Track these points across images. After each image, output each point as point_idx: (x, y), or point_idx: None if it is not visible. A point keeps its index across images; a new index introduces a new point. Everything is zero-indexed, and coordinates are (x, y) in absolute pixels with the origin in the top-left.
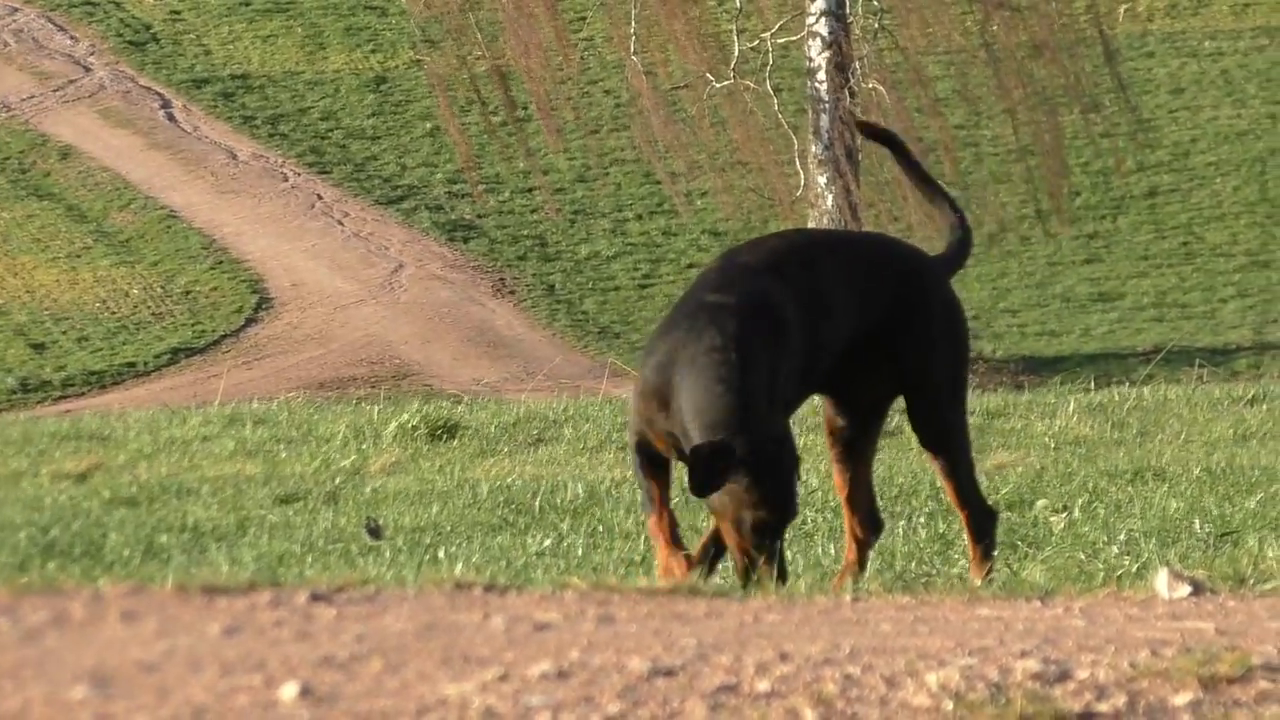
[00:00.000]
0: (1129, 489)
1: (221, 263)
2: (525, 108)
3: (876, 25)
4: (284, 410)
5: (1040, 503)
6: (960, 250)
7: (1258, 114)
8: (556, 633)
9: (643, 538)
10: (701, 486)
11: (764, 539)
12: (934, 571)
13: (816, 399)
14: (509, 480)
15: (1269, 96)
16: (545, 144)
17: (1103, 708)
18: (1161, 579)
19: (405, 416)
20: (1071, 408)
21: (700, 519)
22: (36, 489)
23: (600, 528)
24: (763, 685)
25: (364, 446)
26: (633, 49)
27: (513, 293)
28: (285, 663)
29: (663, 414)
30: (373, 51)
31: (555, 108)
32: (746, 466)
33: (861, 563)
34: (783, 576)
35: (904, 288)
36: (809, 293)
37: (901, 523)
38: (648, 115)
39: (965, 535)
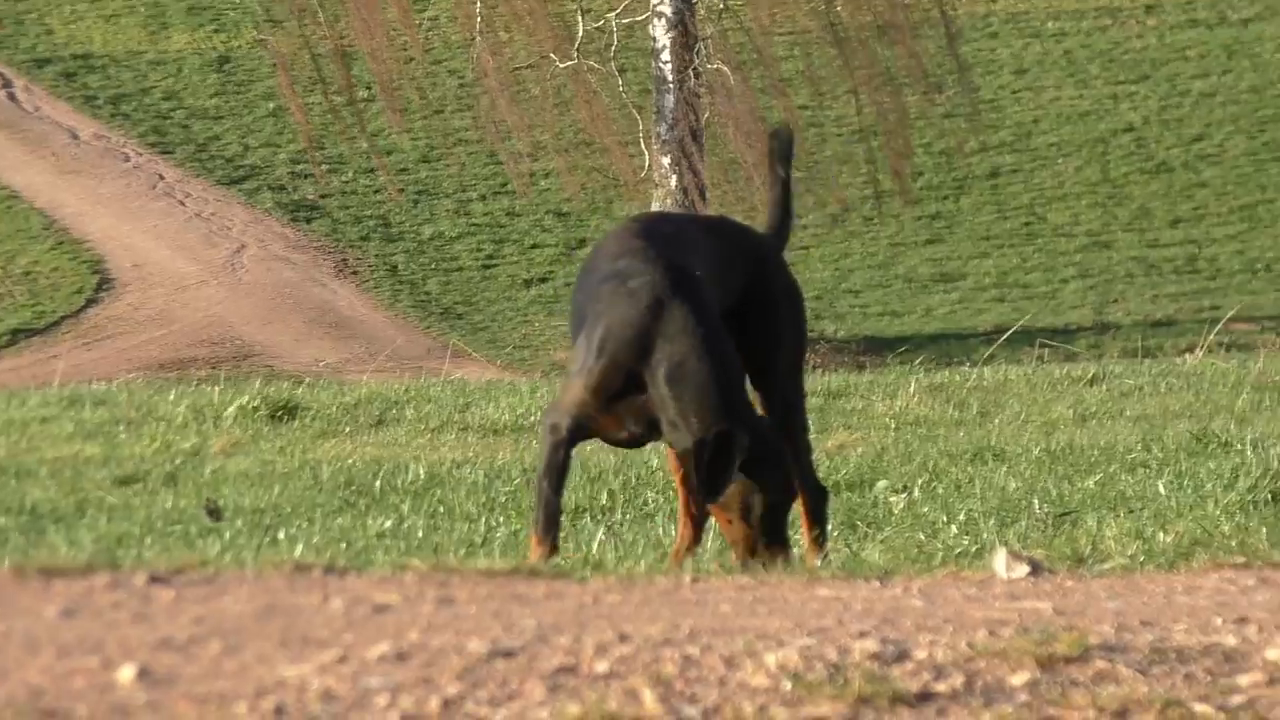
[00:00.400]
0: (969, 469)
1: (62, 243)
2: (369, 88)
3: (721, 5)
4: (124, 391)
5: (881, 483)
6: (785, 235)
7: (1100, 94)
8: (396, 615)
9: (483, 520)
10: (715, 485)
11: (778, 524)
12: None
13: None
14: (350, 461)
15: (1111, 77)
16: (389, 124)
17: (940, 688)
18: (1000, 559)
19: (246, 398)
20: (912, 388)
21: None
22: None
23: (441, 509)
24: (602, 666)
25: (204, 427)
26: (478, 28)
27: (355, 273)
28: (123, 645)
29: (626, 400)
30: (216, 31)
31: (399, 88)
32: (758, 454)
33: (697, 538)
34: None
35: (757, 270)
36: (709, 275)
37: None
38: (492, 95)
39: (802, 516)
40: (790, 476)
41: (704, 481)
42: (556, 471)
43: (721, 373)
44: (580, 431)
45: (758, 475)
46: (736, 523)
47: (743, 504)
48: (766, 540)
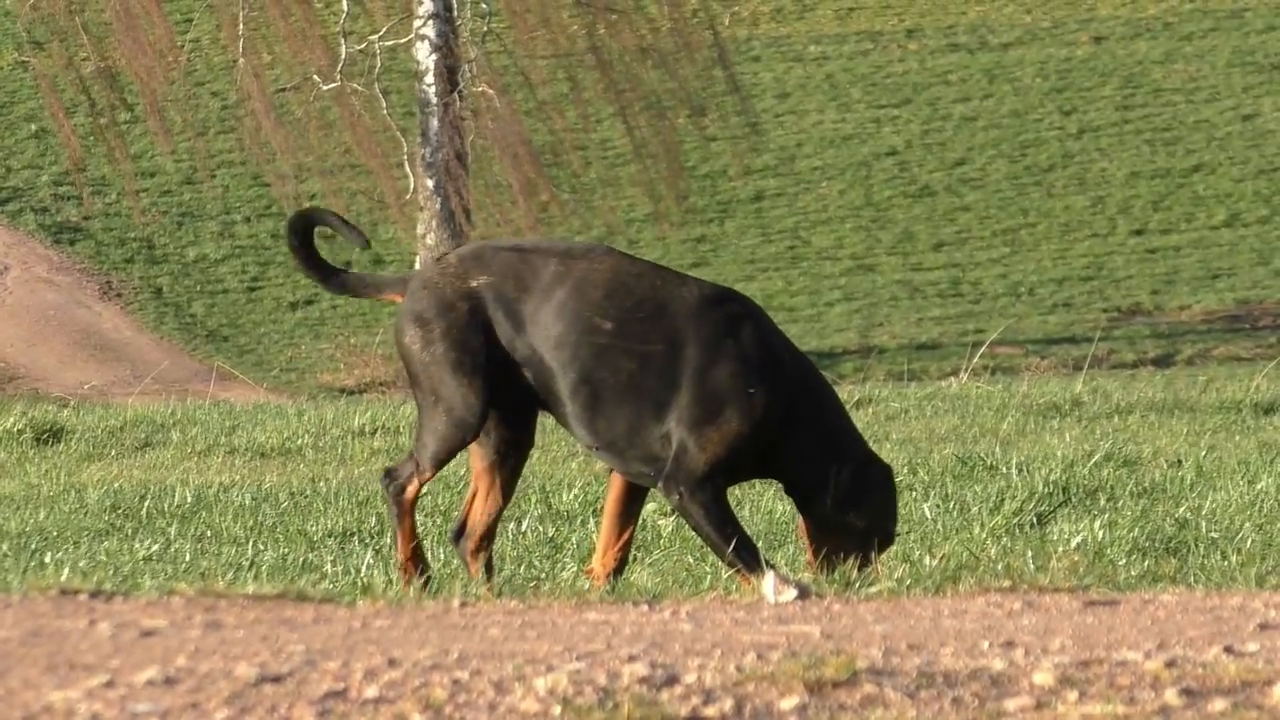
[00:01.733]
0: (736, 492)
1: None
2: (132, 109)
3: (485, 28)
4: None
5: (649, 506)
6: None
7: (862, 118)
8: (163, 639)
9: (251, 544)
10: (849, 509)
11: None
12: (543, 576)
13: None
14: (116, 485)
15: (873, 101)
16: (153, 145)
17: (710, 712)
18: (768, 583)
19: (10, 420)
20: None
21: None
22: None
23: (208, 532)
24: (371, 691)
25: None
26: (241, 50)
27: (120, 295)
28: None
29: (768, 440)
30: None
31: (162, 109)
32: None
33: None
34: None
35: None
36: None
37: (510, 525)
38: (257, 117)
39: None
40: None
41: (836, 502)
42: (735, 523)
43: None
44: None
45: (884, 508)
46: (838, 546)
47: (867, 534)
48: (857, 562)
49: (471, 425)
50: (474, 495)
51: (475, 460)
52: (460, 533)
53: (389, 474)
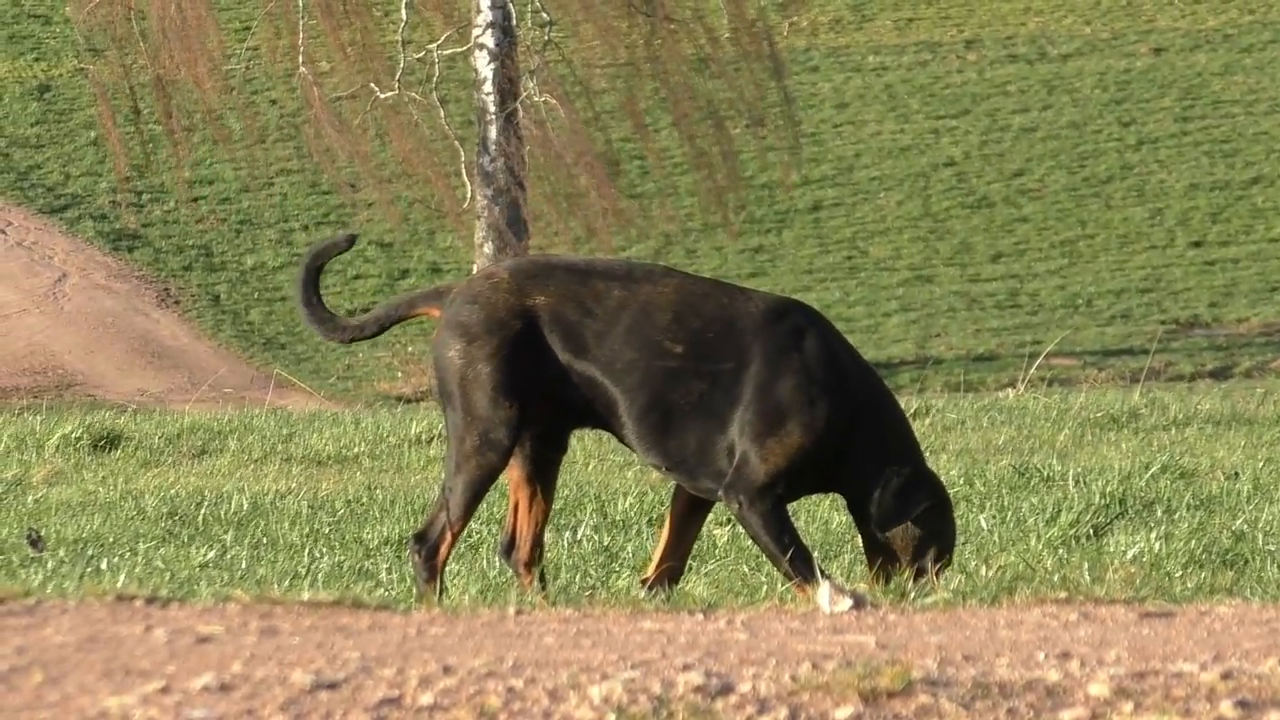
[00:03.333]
0: (793, 503)
1: None
2: (190, 116)
3: (545, 38)
4: None
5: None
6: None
7: (920, 129)
8: (219, 645)
9: (307, 551)
10: (897, 518)
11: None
12: (598, 584)
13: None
14: (173, 492)
15: (931, 111)
16: (211, 153)
17: None
18: (824, 593)
19: (68, 427)
20: None
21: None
22: None
23: (264, 540)
24: (426, 698)
25: (26, 457)
26: (301, 60)
27: (178, 303)
28: None
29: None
30: (36, 60)
31: (221, 117)
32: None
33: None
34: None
35: None
36: None
37: (566, 535)
38: (319, 125)
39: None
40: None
41: (886, 512)
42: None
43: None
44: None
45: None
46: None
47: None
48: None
49: (506, 449)
50: (515, 507)
51: (513, 472)
52: (510, 546)
53: (418, 539)
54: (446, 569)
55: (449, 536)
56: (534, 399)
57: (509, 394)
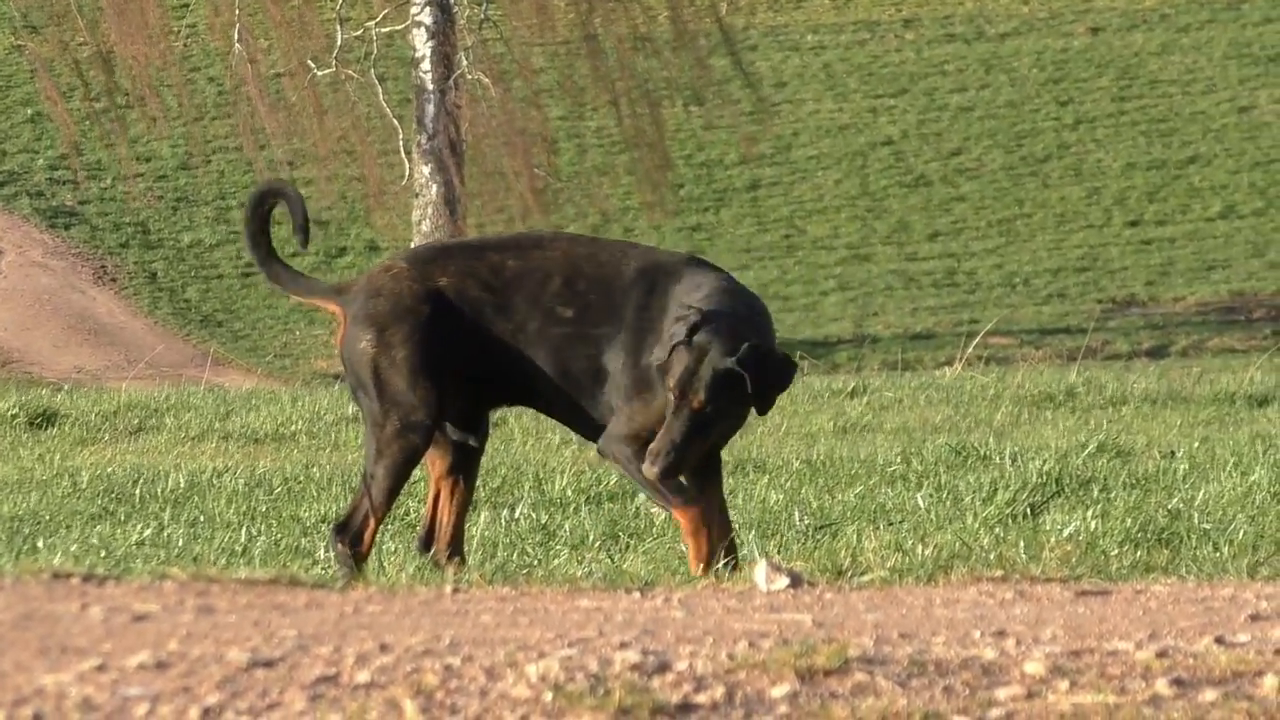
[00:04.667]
0: (730, 480)
1: None
2: (128, 94)
3: (482, 16)
4: None
5: (642, 495)
6: None
7: (859, 108)
8: (155, 623)
9: (244, 529)
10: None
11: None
12: (535, 562)
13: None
14: (109, 469)
15: (870, 91)
16: (149, 130)
17: (701, 699)
18: (760, 571)
19: (4, 404)
20: None
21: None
22: None
23: (201, 518)
24: (363, 676)
25: None
26: (237, 35)
27: (114, 280)
28: None
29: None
30: None
31: (159, 94)
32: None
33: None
34: None
35: None
36: None
37: (504, 513)
38: (252, 103)
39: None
40: None
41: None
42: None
43: None
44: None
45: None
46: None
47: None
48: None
49: (427, 430)
50: (436, 498)
51: (436, 464)
52: (428, 540)
53: (340, 529)
54: (382, 548)
55: (372, 524)
56: (450, 380)
57: (426, 376)
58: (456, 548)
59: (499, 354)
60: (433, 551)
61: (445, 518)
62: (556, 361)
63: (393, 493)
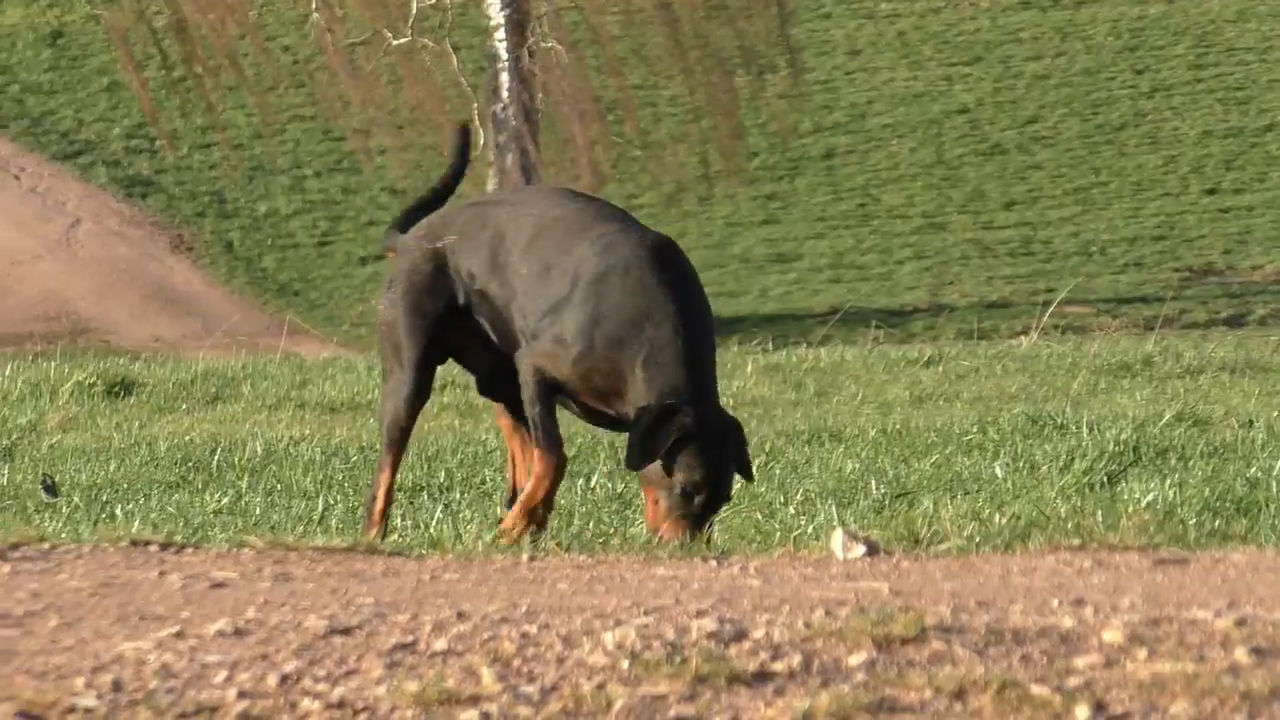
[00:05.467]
0: (806, 450)
1: None
2: (204, 63)
3: None
4: None
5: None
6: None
7: (933, 76)
8: (233, 590)
9: (321, 498)
10: (644, 455)
11: (700, 521)
12: (611, 530)
13: None
14: (187, 438)
15: (944, 59)
16: (223, 99)
17: (778, 667)
18: (837, 539)
19: (82, 374)
20: (749, 368)
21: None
22: None
23: (278, 485)
24: (439, 644)
25: (40, 403)
26: (315, 5)
27: (190, 249)
28: None
29: (601, 378)
30: (49, 6)
31: (234, 63)
32: (695, 439)
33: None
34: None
35: None
36: None
37: (580, 481)
38: (332, 70)
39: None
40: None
41: (632, 447)
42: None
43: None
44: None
45: (692, 464)
46: (653, 506)
47: (669, 490)
48: (681, 530)
49: (415, 389)
50: (512, 457)
51: (503, 423)
52: (513, 498)
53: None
54: (458, 515)
55: (382, 478)
56: (455, 336)
57: (422, 329)
58: None
59: (489, 313)
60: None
61: (521, 475)
62: (521, 318)
63: (394, 445)
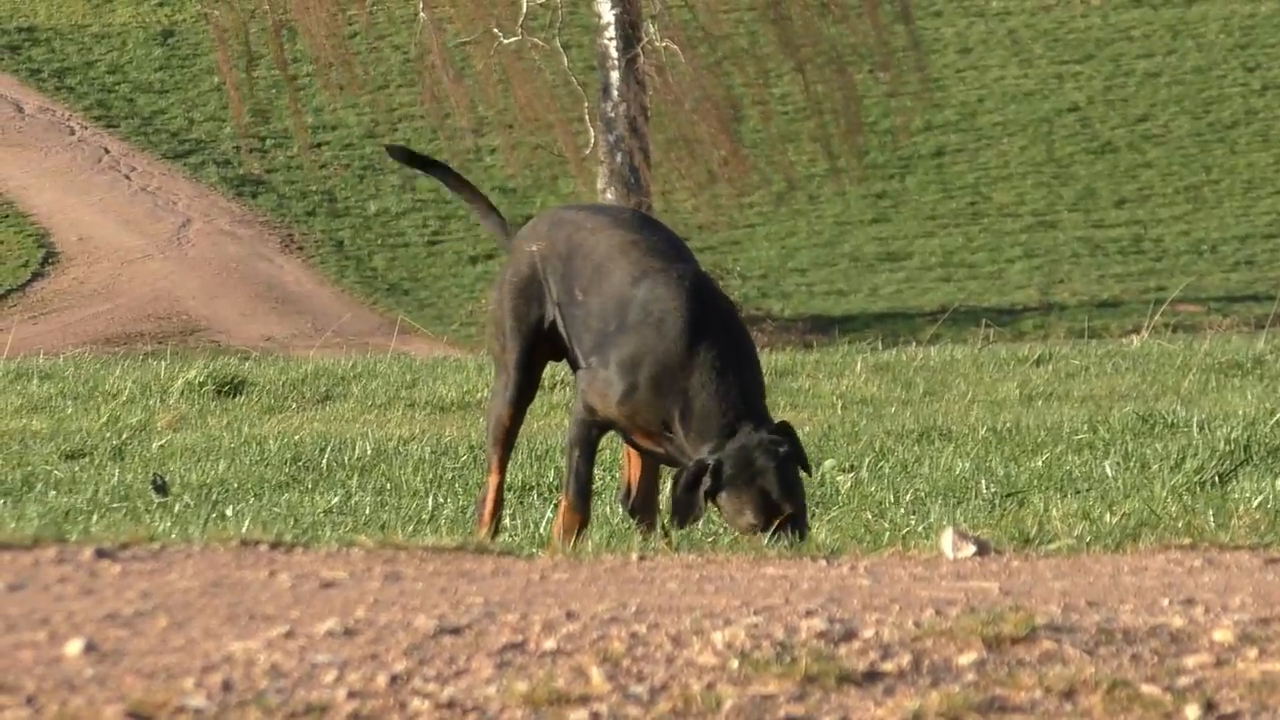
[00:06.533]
0: (915, 449)
1: (8, 216)
2: (313, 62)
3: None
4: (70, 365)
5: (828, 462)
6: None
7: (1044, 74)
8: (343, 590)
9: (431, 497)
10: (684, 518)
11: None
12: (721, 530)
13: None
14: (296, 437)
15: (1055, 57)
16: (335, 99)
17: (888, 666)
18: (947, 539)
19: (192, 372)
20: (859, 367)
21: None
22: None
23: (388, 485)
24: (549, 643)
25: (151, 402)
26: (423, 3)
27: (301, 248)
28: (70, 619)
29: (644, 419)
30: (160, 5)
31: (344, 63)
32: (730, 483)
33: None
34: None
35: None
36: None
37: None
38: (437, 71)
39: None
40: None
41: (673, 513)
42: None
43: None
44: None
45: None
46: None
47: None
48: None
49: (517, 390)
50: (629, 455)
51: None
52: (627, 494)
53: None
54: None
55: (490, 478)
56: (553, 339)
57: (521, 335)
58: (646, 506)
59: (563, 325)
60: (630, 506)
61: (635, 473)
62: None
63: (496, 446)
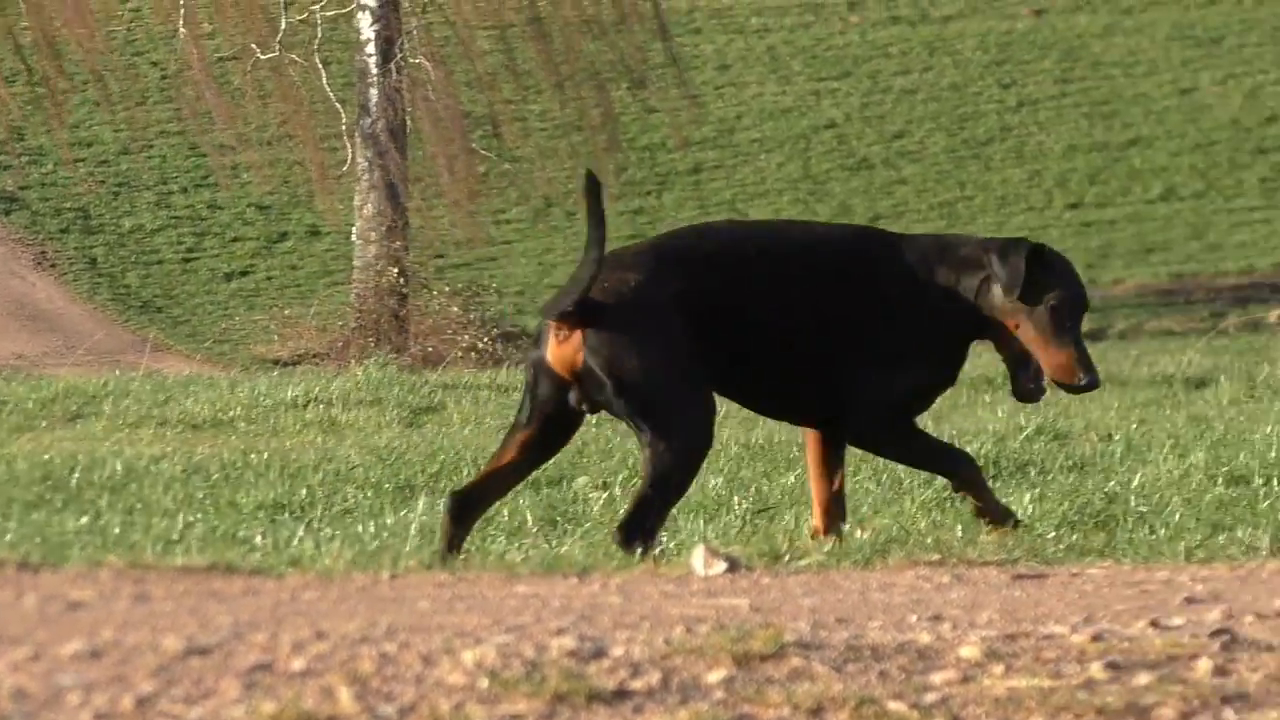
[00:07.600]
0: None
1: None
2: (71, 78)
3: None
4: None
5: (581, 479)
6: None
7: (802, 90)
8: (90, 611)
9: (181, 516)
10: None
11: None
12: (472, 548)
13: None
14: (46, 456)
15: (813, 74)
16: (91, 115)
17: (637, 685)
18: (698, 556)
19: None
20: None
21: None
22: None
23: (138, 505)
24: (298, 664)
25: None
26: (182, 20)
27: (54, 265)
28: None
29: None
30: None
31: (101, 79)
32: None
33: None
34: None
35: None
36: None
37: (442, 501)
38: (197, 87)
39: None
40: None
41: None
42: None
43: None
44: None
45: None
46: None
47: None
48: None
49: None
50: (499, 460)
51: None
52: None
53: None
54: (319, 532)
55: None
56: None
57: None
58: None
59: None
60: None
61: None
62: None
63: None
